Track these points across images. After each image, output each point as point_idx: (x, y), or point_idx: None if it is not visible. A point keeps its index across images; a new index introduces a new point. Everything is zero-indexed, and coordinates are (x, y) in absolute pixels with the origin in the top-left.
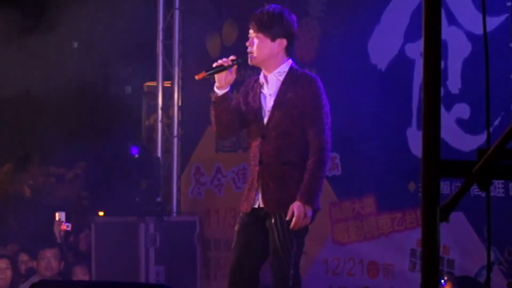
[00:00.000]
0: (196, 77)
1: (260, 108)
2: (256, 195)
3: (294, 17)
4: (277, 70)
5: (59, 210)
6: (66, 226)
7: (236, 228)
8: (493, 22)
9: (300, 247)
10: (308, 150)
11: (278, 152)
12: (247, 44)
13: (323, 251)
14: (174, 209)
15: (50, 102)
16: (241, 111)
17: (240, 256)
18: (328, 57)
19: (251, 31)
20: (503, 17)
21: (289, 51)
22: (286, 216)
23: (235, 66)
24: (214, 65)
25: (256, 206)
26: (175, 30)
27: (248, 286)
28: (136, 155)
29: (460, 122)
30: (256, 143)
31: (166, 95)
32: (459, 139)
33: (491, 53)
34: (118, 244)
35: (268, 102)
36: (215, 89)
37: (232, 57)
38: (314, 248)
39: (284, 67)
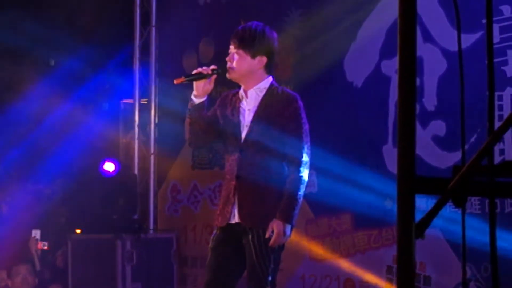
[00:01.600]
0: (175, 82)
1: (238, 123)
2: (232, 209)
3: (275, 34)
4: (256, 86)
5: (36, 227)
6: (42, 245)
7: (210, 245)
8: (468, 39)
9: (277, 263)
10: (286, 167)
11: (256, 167)
12: (227, 59)
13: (300, 268)
14: (151, 226)
15: (26, 118)
16: (217, 123)
17: (215, 274)
18: (304, 74)
19: (231, 46)
20: (478, 34)
21: (269, 69)
22: (263, 232)
23: (214, 76)
24: (194, 72)
25: (232, 221)
26: (152, 47)
27: None
28: (113, 173)
29: (436, 139)
30: (233, 157)
31: (143, 113)
32: (435, 156)
33: (466, 70)
34: (95, 261)
35: (247, 117)
36: (192, 97)
37: (212, 67)
38: (291, 264)
39: (264, 84)
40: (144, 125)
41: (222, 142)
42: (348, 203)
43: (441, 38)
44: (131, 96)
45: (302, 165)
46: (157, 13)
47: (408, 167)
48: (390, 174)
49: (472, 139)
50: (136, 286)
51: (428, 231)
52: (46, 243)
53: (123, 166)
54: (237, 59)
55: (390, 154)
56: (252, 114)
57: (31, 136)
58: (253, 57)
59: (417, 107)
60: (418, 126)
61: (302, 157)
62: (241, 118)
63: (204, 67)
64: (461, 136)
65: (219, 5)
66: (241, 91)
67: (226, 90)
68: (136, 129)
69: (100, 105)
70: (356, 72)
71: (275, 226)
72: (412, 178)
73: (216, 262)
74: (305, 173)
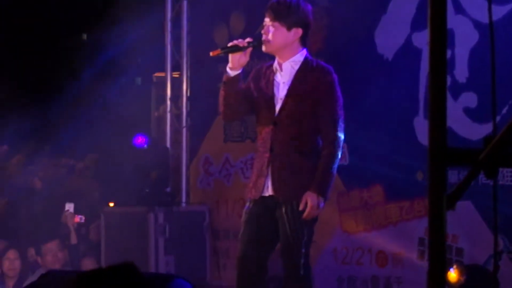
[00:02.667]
0: (211, 54)
1: (272, 95)
2: (265, 182)
3: (309, 7)
4: (292, 59)
5: (69, 201)
6: (79, 219)
7: (243, 218)
8: (500, 11)
9: (310, 236)
10: (320, 140)
11: (290, 140)
12: (262, 32)
13: (332, 241)
14: (183, 200)
15: (60, 93)
16: (251, 96)
17: (248, 247)
18: (335, 47)
19: (267, 19)
20: (509, 6)
21: (304, 41)
22: (297, 205)
23: (250, 49)
24: (229, 44)
25: (265, 194)
26: (183, 20)
27: (257, 276)
28: (143, 144)
29: (467, 111)
30: (266, 130)
31: (174, 86)
32: (466, 128)
33: (497, 42)
34: (128, 235)
35: (281, 90)
36: (228, 69)
37: (248, 39)
38: (323, 238)
39: (299, 57)
40: (176, 98)
41: (255, 115)
42: (380, 176)
43: (473, 10)
44: (163, 69)
45: (336, 138)
46: None
47: (439, 139)
48: (421, 146)
49: (504, 111)
50: (168, 259)
51: (460, 203)
52: (82, 217)
53: (155, 140)
54: (272, 32)
55: (421, 126)
56: (286, 87)
57: (64, 110)
58: (289, 29)
59: (448, 79)
60: (449, 98)
61: (336, 130)
62: (275, 91)
63: (240, 40)
64: (492, 107)
65: None
66: (276, 64)
67: (261, 63)
68: (168, 102)
69: (132, 79)
70: (387, 44)
71: (309, 198)
72: (444, 150)
73: (249, 235)
74: (338, 147)
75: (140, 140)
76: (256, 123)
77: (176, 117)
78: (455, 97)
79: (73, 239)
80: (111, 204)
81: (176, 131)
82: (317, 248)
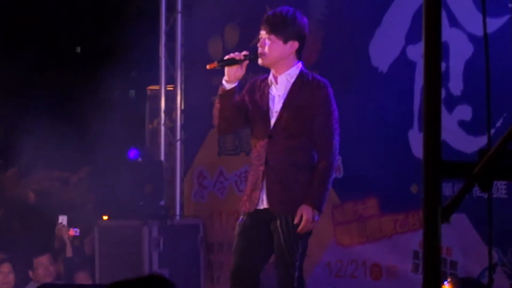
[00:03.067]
0: (208, 67)
1: (267, 108)
2: (260, 195)
3: (305, 19)
4: (287, 72)
5: (63, 214)
6: (74, 232)
7: (236, 230)
8: (495, 23)
9: (304, 249)
10: (314, 154)
11: (286, 153)
12: (258, 45)
13: (326, 254)
14: (178, 213)
15: (53, 106)
16: (245, 109)
17: (242, 260)
18: (330, 60)
19: (263, 32)
20: (504, 18)
21: (300, 54)
22: (291, 219)
23: (246, 62)
24: (226, 57)
25: (260, 207)
26: (178, 33)
27: None
28: (137, 158)
29: (462, 123)
30: (261, 143)
31: (168, 99)
32: (461, 140)
33: (492, 54)
34: (122, 248)
35: (276, 103)
36: (224, 82)
37: (244, 52)
38: (317, 250)
39: (295, 70)
40: (170, 111)
41: (249, 127)
42: (374, 188)
43: (467, 23)
44: (157, 82)
45: (332, 152)
46: None
47: (433, 151)
48: (415, 159)
49: (498, 124)
50: (162, 272)
51: (455, 216)
52: (77, 230)
53: (149, 153)
54: (269, 45)
55: (416, 139)
56: (282, 101)
57: (58, 123)
58: (285, 42)
59: (443, 91)
60: (444, 111)
61: (331, 144)
62: (270, 104)
63: (237, 53)
64: (487, 120)
65: None
66: (271, 77)
67: (255, 76)
68: (162, 115)
69: (126, 92)
70: (382, 57)
71: (304, 212)
72: (438, 163)
73: (242, 248)
74: (334, 161)
75: (134, 153)
76: (251, 136)
77: (170, 130)
78: (450, 109)
79: (69, 252)
80: (105, 217)
81: (170, 144)
82: (311, 261)
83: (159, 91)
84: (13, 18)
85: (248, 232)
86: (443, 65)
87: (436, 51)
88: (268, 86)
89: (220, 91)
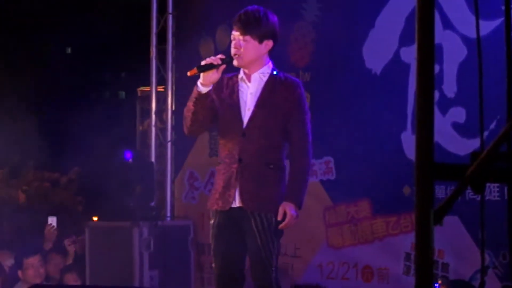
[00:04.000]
0: (189, 74)
1: (239, 106)
2: (234, 193)
3: (276, 18)
4: (260, 70)
5: (52, 215)
6: (73, 241)
7: (211, 232)
8: (488, 26)
9: (279, 249)
10: (289, 152)
11: (259, 152)
12: (232, 46)
13: (318, 255)
14: (168, 214)
15: (44, 107)
16: (215, 109)
17: (224, 263)
18: (323, 62)
19: (236, 33)
20: (497, 21)
21: (271, 53)
22: (265, 218)
23: (223, 66)
24: (203, 63)
25: (233, 205)
26: (169, 34)
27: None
28: (130, 160)
29: (455, 126)
30: (234, 141)
31: (159, 100)
32: (455, 143)
33: (486, 57)
34: (112, 249)
35: (249, 101)
36: (199, 85)
37: (220, 56)
38: (309, 252)
39: (267, 69)
40: (160, 112)
41: (218, 126)
42: (367, 190)
43: (461, 25)
44: (148, 83)
45: (308, 149)
46: (173, 0)
47: (426, 153)
48: (408, 161)
49: (492, 126)
50: (153, 274)
51: (447, 218)
52: (73, 236)
53: (140, 154)
54: (244, 45)
55: (409, 141)
56: (255, 98)
57: (48, 124)
58: (261, 41)
59: (437, 94)
60: (437, 113)
61: (307, 142)
62: (241, 102)
63: (213, 57)
64: (479, 122)
65: None
66: (241, 75)
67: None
68: (153, 116)
69: (116, 93)
70: (375, 59)
71: (287, 208)
72: (430, 165)
73: (222, 250)
74: (310, 158)
75: (128, 156)
76: (219, 135)
77: (161, 131)
78: (444, 112)
79: (69, 259)
80: (95, 218)
81: (160, 146)
82: (303, 263)
83: (150, 92)
84: (4, 18)
85: (224, 233)
86: (437, 68)
87: (429, 53)
88: (237, 84)
89: (195, 94)
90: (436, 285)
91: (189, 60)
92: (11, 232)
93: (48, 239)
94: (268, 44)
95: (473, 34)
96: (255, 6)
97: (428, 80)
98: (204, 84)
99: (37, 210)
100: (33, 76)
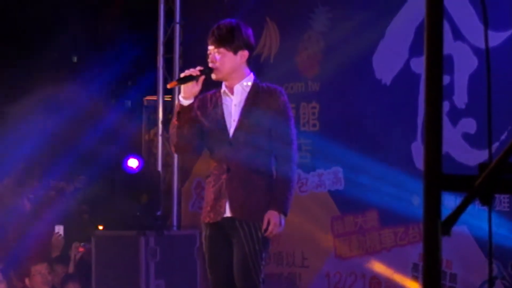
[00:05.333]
0: (168, 86)
1: (223, 118)
2: (225, 203)
3: (250, 30)
4: (242, 82)
5: (59, 224)
6: (82, 246)
7: (204, 245)
8: (499, 37)
9: (266, 259)
10: (276, 160)
11: (246, 160)
12: (209, 60)
13: (325, 265)
14: (175, 223)
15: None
16: (200, 125)
17: (220, 274)
18: (332, 72)
19: (211, 47)
20: (508, 32)
21: (249, 63)
22: (254, 227)
23: (202, 78)
24: (182, 75)
25: (224, 215)
26: (176, 44)
27: None
28: (136, 169)
29: (466, 136)
30: (222, 152)
31: (166, 109)
32: (465, 154)
33: (497, 68)
34: (118, 258)
35: (234, 112)
36: (181, 99)
37: (199, 68)
38: (316, 262)
39: (249, 79)
40: (167, 122)
41: (206, 142)
42: (375, 200)
43: (472, 36)
44: (154, 93)
45: (293, 156)
46: (181, 10)
47: (434, 164)
48: (418, 171)
49: (503, 137)
50: (159, 283)
51: (455, 229)
52: (86, 245)
53: (147, 163)
54: (219, 58)
55: (419, 152)
56: (239, 109)
57: (54, 133)
58: (235, 52)
59: (448, 104)
60: (448, 124)
61: (291, 149)
62: (226, 113)
63: (192, 69)
64: (488, 134)
65: (244, 2)
66: (224, 88)
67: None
68: (160, 125)
69: (123, 102)
70: (385, 69)
71: (271, 217)
72: (438, 175)
73: (215, 261)
74: (296, 165)
75: (132, 162)
76: (208, 149)
77: (168, 140)
78: (454, 123)
79: (71, 268)
80: (101, 227)
81: (167, 155)
82: (310, 272)
83: (156, 101)
84: (10, 27)
85: (216, 245)
86: (448, 78)
87: (437, 63)
88: (221, 98)
89: (177, 108)
90: None
91: None
92: (18, 240)
93: (56, 248)
94: (244, 54)
95: (483, 45)
96: (228, 20)
97: (436, 90)
98: (185, 97)
99: (43, 219)
100: (38, 83)
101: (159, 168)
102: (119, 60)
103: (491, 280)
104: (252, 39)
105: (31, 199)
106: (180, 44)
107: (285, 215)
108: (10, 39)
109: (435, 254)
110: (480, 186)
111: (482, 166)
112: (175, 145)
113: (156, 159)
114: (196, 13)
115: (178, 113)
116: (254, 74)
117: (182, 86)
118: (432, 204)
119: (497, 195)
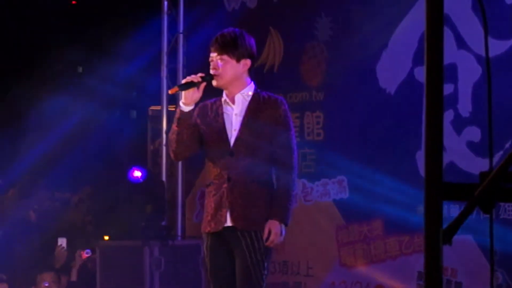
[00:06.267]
0: (170, 92)
1: (224, 128)
2: (226, 213)
3: (253, 39)
4: (243, 91)
5: (64, 234)
6: (86, 253)
7: (206, 255)
8: (502, 45)
9: (268, 269)
10: (276, 169)
11: (247, 170)
12: (211, 67)
13: (330, 274)
14: (179, 233)
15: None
16: (200, 132)
17: (223, 284)
18: (336, 81)
19: (213, 54)
20: (511, 41)
21: (250, 73)
22: (255, 237)
23: (203, 84)
24: (183, 81)
25: (225, 225)
26: (180, 54)
27: None
28: (139, 178)
29: (471, 145)
30: (222, 162)
31: (170, 119)
32: (470, 162)
33: (500, 76)
34: (123, 268)
35: (234, 122)
36: (181, 105)
37: (200, 74)
38: (321, 271)
39: (249, 89)
40: None
41: (206, 150)
42: (380, 209)
43: (475, 45)
44: (159, 102)
45: (294, 166)
46: (184, 19)
47: (435, 172)
48: (422, 180)
49: (507, 145)
50: None
51: (461, 237)
52: (89, 251)
53: (151, 173)
54: (222, 65)
55: (423, 160)
56: (240, 119)
57: (58, 144)
58: (238, 61)
59: (452, 113)
60: (452, 133)
61: (292, 158)
62: (227, 122)
63: (193, 75)
64: (489, 142)
65: (247, 11)
66: (224, 97)
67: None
68: (164, 135)
69: (128, 112)
70: (389, 78)
71: (272, 226)
72: (439, 184)
73: (217, 271)
74: (296, 174)
75: (136, 173)
76: (207, 158)
77: None
78: (459, 131)
79: (73, 276)
80: (106, 238)
81: (171, 165)
82: (315, 282)
83: (161, 111)
84: (14, 40)
85: (218, 256)
86: (452, 87)
87: (437, 72)
88: (222, 107)
89: (178, 114)
90: None
91: None
92: (23, 251)
93: (58, 260)
94: (246, 63)
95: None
96: (231, 28)
97: (437, 99)
98: (186, 103)
99: (48, 229)
100: (43, 92)
101: (164, 178)
102: (123, 70)
103: None
104: (254, 49)
105: (36, 210)
106: (184, 53)
107: (286, 224)
108: (14, 52)
109: (436, 262)
110: (481, 195)
111: (483, 174)
112: (174, 150)
113: (160, 169)
114: (199, 22)
115: (178, 119)
116: (254, 84)
117: (183, 92)
118: (433, 212)
119: (502, 204)
